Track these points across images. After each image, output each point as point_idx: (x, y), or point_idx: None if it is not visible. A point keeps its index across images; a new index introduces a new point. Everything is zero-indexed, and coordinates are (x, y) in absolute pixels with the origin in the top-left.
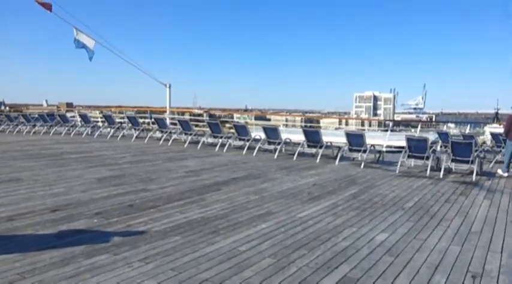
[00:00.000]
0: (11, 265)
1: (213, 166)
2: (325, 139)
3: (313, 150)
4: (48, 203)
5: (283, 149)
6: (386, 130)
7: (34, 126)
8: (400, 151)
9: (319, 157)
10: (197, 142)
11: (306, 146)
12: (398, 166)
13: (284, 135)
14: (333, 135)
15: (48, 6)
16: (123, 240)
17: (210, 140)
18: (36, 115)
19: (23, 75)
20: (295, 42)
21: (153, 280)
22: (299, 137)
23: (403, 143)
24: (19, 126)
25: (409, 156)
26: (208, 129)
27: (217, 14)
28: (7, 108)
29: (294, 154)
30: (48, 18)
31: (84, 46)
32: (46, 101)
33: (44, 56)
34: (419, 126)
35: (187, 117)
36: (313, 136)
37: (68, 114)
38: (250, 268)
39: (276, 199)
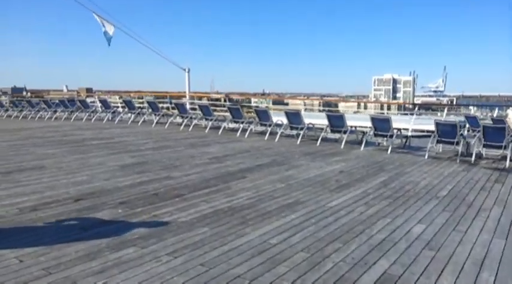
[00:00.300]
0: (36, 259)
1: (235, 152)
2: (348, 123)
3: (337, 135)
4: (72, 192)
5: (306, 134)
6: (407, 114)
7: (55, 111)
8: (425, 136)
9: (343, 143)
10: (218, 128)
11: (329, 131)
12: (427, 151)
13: (306, 120)
14: (354, 119)
15: None
16: (149, 232)
17: (231, 125)
18: (57, 101)
19: (43, 60)
20: (312, 26)
21: (183, 276)
22: (320, 121)
23: (429, 127)
24: (40, 112)
25: (437, 141)
26: (228, 113)
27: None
28: (28, 93)
29: (317, 140)
30: (65, 4)
31: (104, 31)
32: (66, 86)
33: (63, 41)
34: (445, 109)
35: (206, 101)
36: (337, 120)
37: (88, 100)
38: (283, 264)
39: (303, 188)
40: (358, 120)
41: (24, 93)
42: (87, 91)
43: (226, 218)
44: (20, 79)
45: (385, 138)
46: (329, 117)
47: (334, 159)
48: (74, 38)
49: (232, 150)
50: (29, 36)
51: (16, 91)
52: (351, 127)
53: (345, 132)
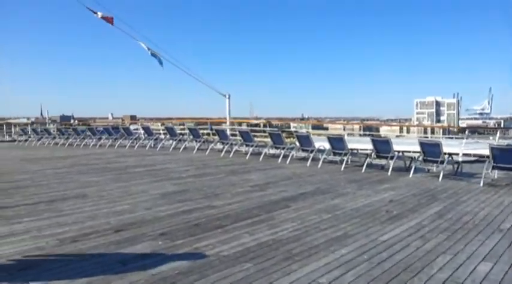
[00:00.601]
0: None
1: (277, 179)
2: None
3: (383, 161)
4: (113, 222)
5: (350, 160)
6: (452, 138)
7: (100, 139)
8: (478, 161)
9: (390, 169)
10: (259, 154)
11: (374, 157)
12: (483, 178)
13: (349, 145)
14: (398, 143)
15: (110, 20)
16: (190, 267)
17: (272, 151)
18: (102, 129)
19: (90, 90)
20: (353, 49)
21: None
22: (363, 146)
23: (479, 151)
24: (86, 139)
25: (493, 167)
26: (269, 139)
27: (270, 24)
28: (76, 121)
29: (362, 166)
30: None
31: (153, 54)
32: (111, 114)
33: (108, 70)
34: (497, 133)
35: (244, 127)
36: (383, 145)
37: (132, 127)
38: None
39: (351, 219)
40: (403, 144)
41: (72, 120)
42: (131, 119)
43: (271, 253)
44: (69, 108)
45: (435, 164)
46: (374, 142)
47: (383, 187)
48: (118, 67)
49: (273, 177)
50: (78, 64)
51: (64, 119)
52: (398, 152)
53: (391, 158)
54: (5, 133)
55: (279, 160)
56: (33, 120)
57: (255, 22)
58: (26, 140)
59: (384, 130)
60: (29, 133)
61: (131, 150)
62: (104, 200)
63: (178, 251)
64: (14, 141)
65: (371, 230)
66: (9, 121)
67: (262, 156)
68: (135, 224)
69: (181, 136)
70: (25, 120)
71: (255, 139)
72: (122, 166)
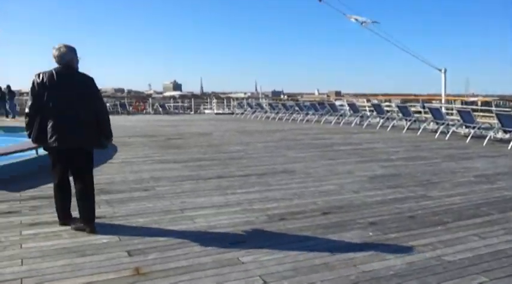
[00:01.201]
0: (279, 282)
1: (510, 170)
2: None
3: None
4: (320, 203)
5: None
6: None
7: (306, 114)
8: None
9: None
10: (482, 138)
11: None
12: None
13: None
14: None
15: None
16: (406, 269)
17: (499, 135)
18: (308, 104)
19: (298, 67)
20: None
21: None
22: None
23: None
24: (293, 114)
25: None
26: (496, 121)
27: None
28: (285, 96)
29: None
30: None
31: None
32: (317, 90)
33: (315, 47)
34: None
35: (466, 106)
36: None
37: (337, 103)
38: None
39: None
40: None
41: (282, 96)
42: (336, 95)
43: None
44: (279, 83)
45: None
46: None
47: None
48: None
49: (504, 167)
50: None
51: (275, 94)
52: None
53: None
54: (225, 106)
55: (510, 146)
56: (248, 94)
57: None
58: (242, 113)
59: None
60: (245, 106)
61: (336, 127)
62: (310, 178)
63: (392, 248)
64: (232, 113)
65: None
66: (229, 95)
67: (486, 141)
68: (342, 208)
69: (388, 114)
70: (242, 95)
71: (477, 120)
72: (327, 143)
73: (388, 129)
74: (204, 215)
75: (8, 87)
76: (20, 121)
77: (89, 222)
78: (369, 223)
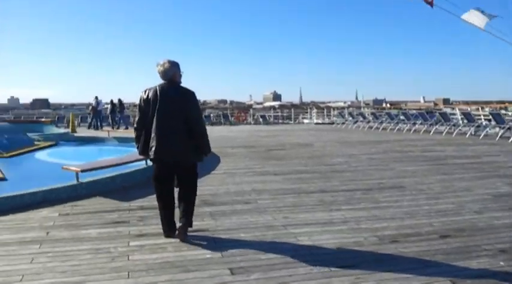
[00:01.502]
0: None
1: None
2: None
3: None
4: (436, 224)
5: None
6: None
7: (414, 124)
8: None
9: None
10: None
11: None
12: None
13: None
14: None
15: (430, 2)
16: None
17: None
18: (416, 113)
19: (402, 73)
20: None
21: None
22: None
23: None
24: (399, 124)
25: None
26: None
27: None
28: (387, 105)
29: None
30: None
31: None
32: (423, 97)
33: (421, 53)
34: None
35: None
36: None
37: (447, 111)
38: None
39: None
40: None
41: (384, 104)
42: (444, 102)
43: None
44: (381, 92)
45: None
46: None
47: None
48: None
49: None
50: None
51: (377, 102)
52: None
53: None
54: (325, 116)
55: None
56: (349, 103)
57: None
58: (343, 123)
59: None
60: (346, 116)
61: (449, 138)
62: (423, 194)
63: None
64: (332, 123)
65: None
66: (328, 104)
67: None
68: (463, 232)
69: (510, 123)
70: (342, 104)
71: None
72: (440, 156)
73: (510, 140)
74: (308, 233)
75: (119, 100)
76: (130, 132)
77: (180, 231)
78: (499, 250)
